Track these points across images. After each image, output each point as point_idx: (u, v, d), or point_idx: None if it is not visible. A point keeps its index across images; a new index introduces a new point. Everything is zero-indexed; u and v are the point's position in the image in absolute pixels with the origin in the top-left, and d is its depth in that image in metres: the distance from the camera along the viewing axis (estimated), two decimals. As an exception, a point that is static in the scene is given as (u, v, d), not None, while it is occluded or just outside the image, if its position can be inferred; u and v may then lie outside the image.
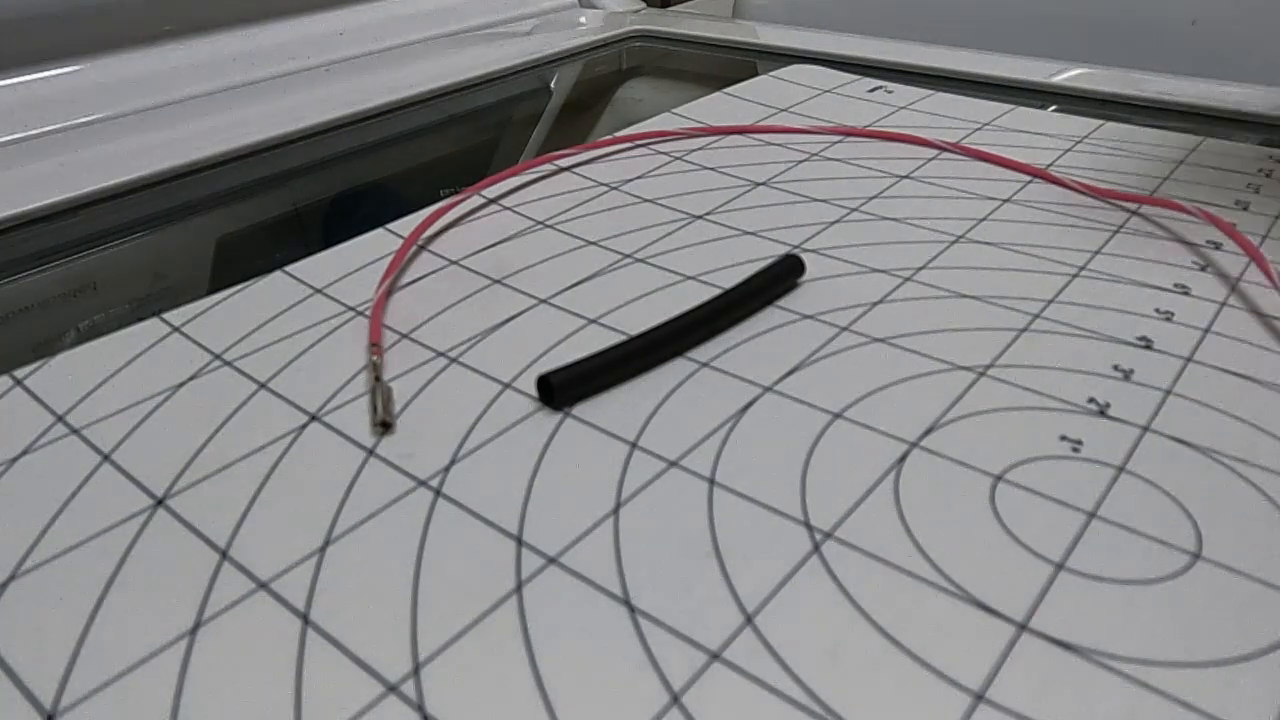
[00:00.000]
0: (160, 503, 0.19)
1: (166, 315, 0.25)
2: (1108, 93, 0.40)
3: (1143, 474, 0.19)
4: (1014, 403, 0.21)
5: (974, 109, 0.38)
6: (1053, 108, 0.39)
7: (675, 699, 0.14)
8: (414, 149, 0.40)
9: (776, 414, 0.21)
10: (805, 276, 0.26)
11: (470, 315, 0.25)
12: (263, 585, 0.17)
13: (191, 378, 0.22)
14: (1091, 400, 0.21)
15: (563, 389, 0.21)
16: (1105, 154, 0.33)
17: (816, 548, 0.17)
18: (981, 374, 0.22)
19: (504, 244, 0.28)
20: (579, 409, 0.21)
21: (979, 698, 0.14)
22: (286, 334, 0.24)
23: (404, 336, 0.24)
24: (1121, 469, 0.19)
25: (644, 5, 0.60)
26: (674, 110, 0.39)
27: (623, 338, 0.23)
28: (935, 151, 0.34)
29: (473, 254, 0.28)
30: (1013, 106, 0.38)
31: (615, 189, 0.32)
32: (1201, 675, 0.15)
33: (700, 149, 0.35)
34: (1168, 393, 0.21)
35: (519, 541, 0.17)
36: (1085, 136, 0.35)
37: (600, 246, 0.28)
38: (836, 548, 0.17)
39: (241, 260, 0.31)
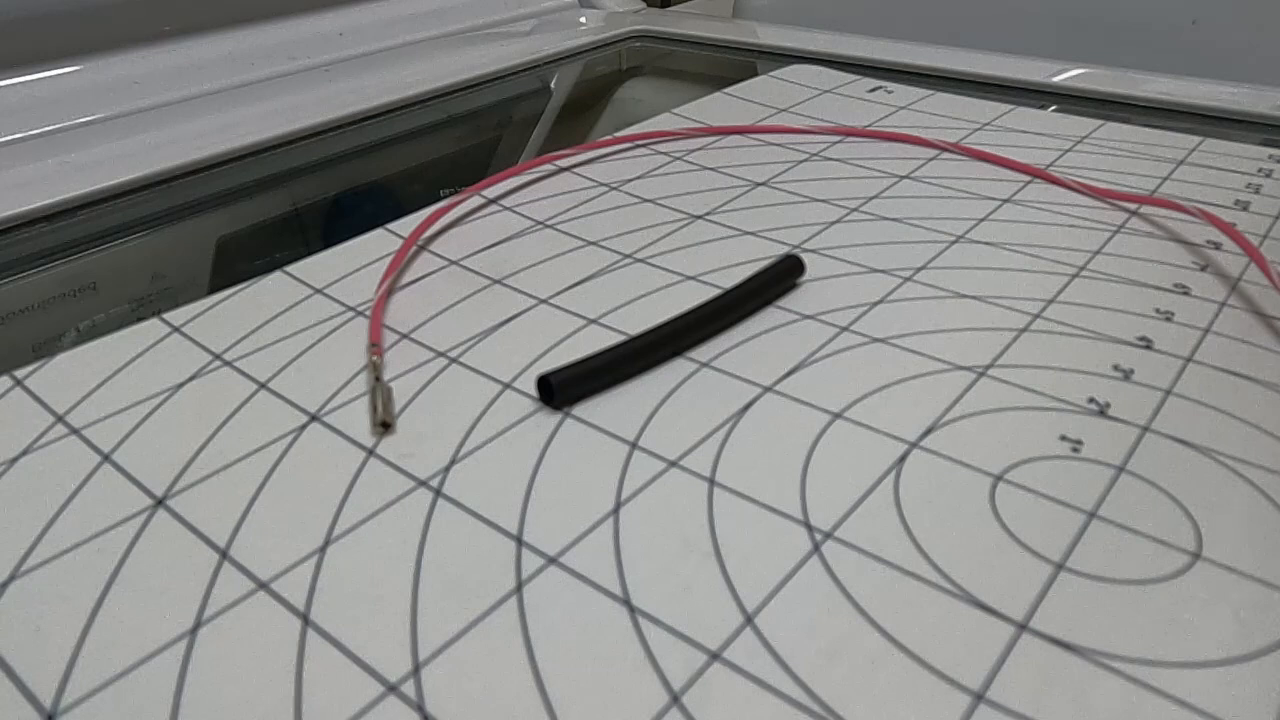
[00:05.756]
0: (160, 503, 0.19)
1: (166, 315, 0.25)
2: (1108, 93, 0.40)
3: (1143, 474, 0.19)
4: (1014, 403, 0.21)
5: (974, 109, 0.38)
6: (1053, 108, 0.39)
7: (675, 699, 0.14)
8: (414, 149, 0.40)
9: (776, 414, 0.21)
10: (805, 276, 0.26)
11: (470, 315, 0.25)
12: (263, 585, 0.17)
13: (191, 378, 0.22)
14: (1091, 400, 0.21)
15: (563, 389, 0.21)
16: (1105, 154, 0.33)
17: (816, 548, 0.17)
18: (981, 374, 0.22)
19: (504, 244, 0.28)
20: (579, 409, 0.21)
21: (979, 698, 0.14)
22: (286, 334, 0.24)
23: (404, 336, 0.24)
24: (1121, 469, 0.19)
25: (644, 5, 0.60)
26: (674, 110, 0.39)
27: (623, 338, 0.23)
28: (935, 151, 0.34)
29: (473, 254, 0.28)
30: (1013, 106, 0.38)
31: (615, 189, 0.32)
32: (1201, 675, 0.15)
33: (700, 149, 0.35)
34: (1168, 393, 0.21)
35: (519, 541, 0.17)
36: (1085, 136, 0.35)
37: (600, 246, 0.28)
38: (836, 548, 0.17)
39: (241, 260, 0.31)
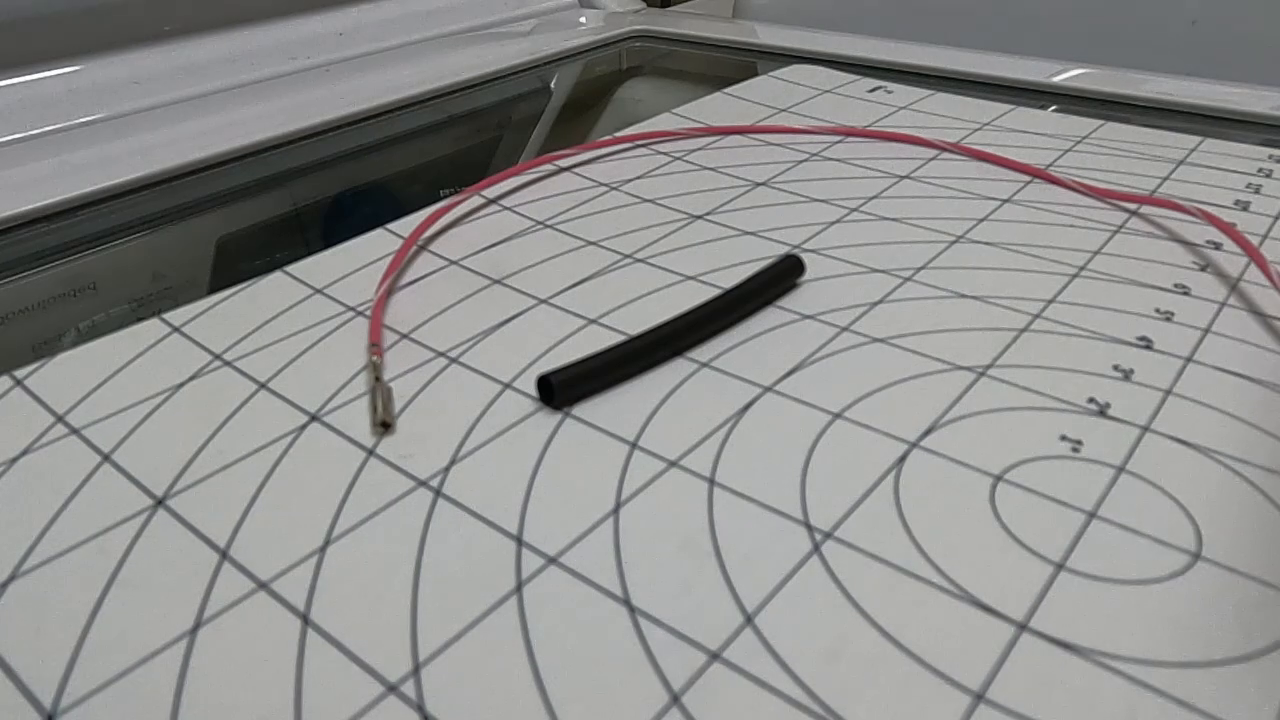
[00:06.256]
0: (160, 503, 0.19)
1: (166, 315, 0.25)
2: (1108, 93, 0.40)
3: (1143, 474, 0.19)
4: (1014, 403, 0.21)
5: (974, 109, 0.38)
6: (1053, 108, 0.39)
7: (675, 699, 0.14)
8: (414, 149, 0.40)
9: (776, 414, 0.21)
10: (805, 276, 0.26)
11: (470, 315, 0.25)
12: (263, 585, 0.17)
13: (191, 378, 0.22)
14: (1091, 400, 0.21)
15: (563, 389, 0.21)
16: (1105, 154, 0.33)
17: (816, 548, 0.17)
18: (981, 374, 0.22)
19: (504, 244, 0.28)
20: (579, 409, 0.21)
21: (979, 698, 0.14)
22: (286, 334, 0.24)
23: (404, 336, 0.24)
24: (1121, 469, 0.19)
25: (644, 5, 0.60)
26: (674, 110, 0.39)
27: (623, 338, 0.23)
28: (935, 151, 0.34)
29: (473, 254, 0.28)
30: (1013, 106, 0.38)
31: (615, 189, 0.32)
32: (1201, 675, 0.15)
33: (700, 149, 0.35)
34: (1168, 393, 0.21)
35: (519, 541, 0.17)
36: (1085, 136, 0.35)
37: (600, 246, 0.28)
38: (836, 548, 0.17)
39: (241, 260, 0.31)
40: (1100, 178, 0.31)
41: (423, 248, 0.28)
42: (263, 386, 0.22)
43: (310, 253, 0.28)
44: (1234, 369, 0.22)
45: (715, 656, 0.15)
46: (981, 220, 0.29)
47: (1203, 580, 0.16)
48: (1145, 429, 0.20)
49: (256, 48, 0.45)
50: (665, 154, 0.35)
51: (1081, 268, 0.26)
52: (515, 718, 0.14)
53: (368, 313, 0.25)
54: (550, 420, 0.21)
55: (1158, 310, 0.24)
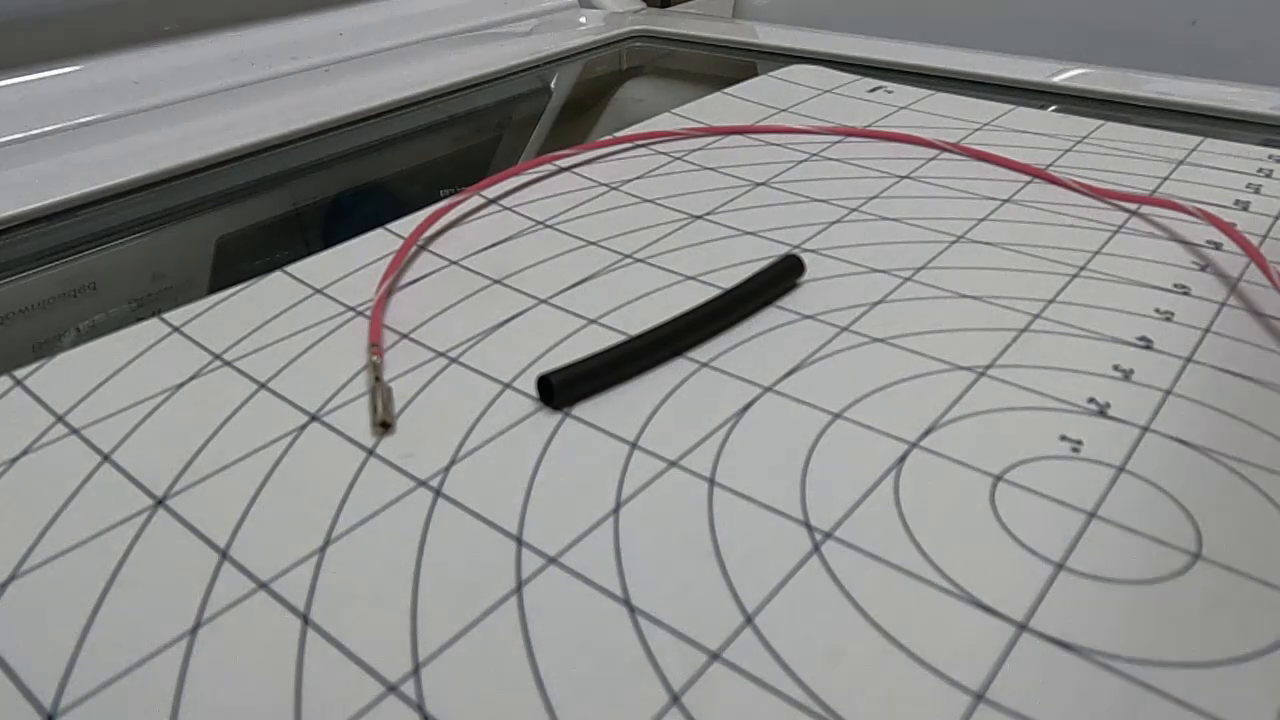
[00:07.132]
0: (160, 503, 0.19)
1: (166, 315, 0.25)
2: (1108, 93, 0.40)
3: (1143, 474, 0.19)
4: (1014, 403, 0.21)
5: (974, 109, 0.38)
6: (1053, 108, 0.39)
7: (675, 699, 0.14)
8: (414, 149, 0.40)
9: (776, 414, 0.21)
10: (805, 276, 0.26)
11: (470, 315, 0.25)
12: (263, 585, 0.17)
13: (191, 378, 0.22)
14: (1091, 400, 0.21)
15: (563, 389, 0.21)
16: (1105, 154, 0.33)
17: (816, 548, 0.17)
18: (981, 374, 0.22)
19: (504, 244, 0.28)
20: (579, 409, 0.21)
21: (979, 698, 0.14)
22: (286, 334, 0.24)
23: (404, 336, 0.24)
24: (1121, 469, 0.19)
25: (644, 5, 0.60)
26: (674, 110, 0.39)
27: (623, 338, 0.23)
28: (935, 151, 0.34)
29: (473, 254, 0.28)
30: (1013, 106, 0.38)
31: (615, 189, 0.32)
32: (1201, 675, 0.15)
33: (700, 149, 0.35)
34: (1168, 393, 0.21)
35: (519, 541, 0.17)
36: (1085, 136, 0.35)
37: (600, 246, 0.28)
38: (836, 548, 0.17)
39: (241, 260, 0.31)
40: (1100, 178, 0.31)
41: (423, 248, 0.28)
42: (263, 386, 0.22)
43: (310, 253, 0.28)
44: (1234, 369, 0.22)
45: (715, 656, 0.15)
46: (981, 220, 0.29)
47: (1203, 580, 0.16)
48: (1145, 429, 0.20)
49: (256, 48, 0.45)
50: (665, 154, 0.35)
51: (1081, 268, 0.26)
52: (515, 718, 0.14)
53: (368, 313, 0.25)
54: (550, 420, 0.21)
55: (1158, 310, 0.24)
